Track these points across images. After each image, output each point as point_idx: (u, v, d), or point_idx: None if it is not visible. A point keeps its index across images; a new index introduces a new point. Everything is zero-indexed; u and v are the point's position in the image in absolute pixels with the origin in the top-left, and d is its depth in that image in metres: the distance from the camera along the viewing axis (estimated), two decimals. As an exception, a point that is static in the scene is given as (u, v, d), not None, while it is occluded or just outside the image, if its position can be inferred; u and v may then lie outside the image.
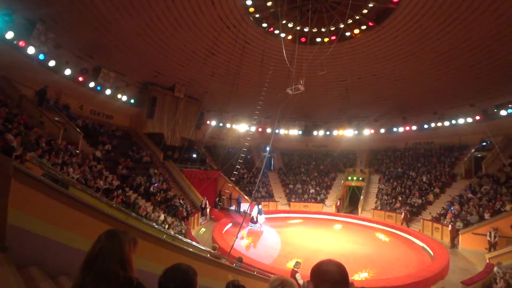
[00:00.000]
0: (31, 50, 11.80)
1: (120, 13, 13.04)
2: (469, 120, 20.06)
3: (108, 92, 17.00)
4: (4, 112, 8.92)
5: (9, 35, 10.83)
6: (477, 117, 19.52)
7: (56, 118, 12.78)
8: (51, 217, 2.80)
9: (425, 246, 13.98)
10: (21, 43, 11.42)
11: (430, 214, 17.67)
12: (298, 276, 7.46)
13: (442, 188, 19.38)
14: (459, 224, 14.80)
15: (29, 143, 8.14)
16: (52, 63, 13.14)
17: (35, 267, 2.62)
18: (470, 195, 16.41)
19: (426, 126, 22.85)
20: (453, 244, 14.23)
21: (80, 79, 15.29)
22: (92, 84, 16.01)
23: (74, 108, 16.24)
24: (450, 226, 14.54)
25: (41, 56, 12.47)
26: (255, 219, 16.98)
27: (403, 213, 18.50)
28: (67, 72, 14.17)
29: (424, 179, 20.91)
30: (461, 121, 20.50)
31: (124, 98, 18.43)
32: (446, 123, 21.55)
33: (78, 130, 13.44)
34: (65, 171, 8.61)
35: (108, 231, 1.48)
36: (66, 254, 2.80)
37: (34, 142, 8.73)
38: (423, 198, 19.41)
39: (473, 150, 20.14)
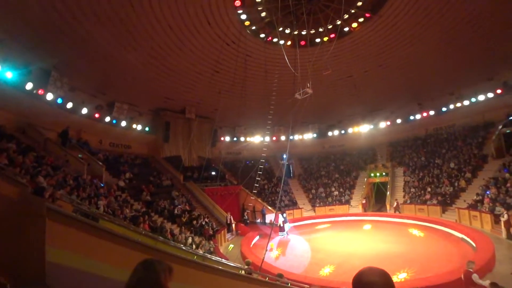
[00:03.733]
0: (49, 96, 12.65)
1: (124, 47, 13.75)
2: (490, 95, 19.13)
3: (123, 124, 17.73)
4: (33, 156, 9.46)
5: (29, 86, 11.66)
6: (498, 91, 18.61)
7: (79, 155, 13.40)
8: (85, 250, 2.91)
9: (465, 237, 13.01)
10: (40, 92, 12.27)
11: (465, 201, 16.58)
12: (475, 277, 6.71)
13: (473, 172, 18.28)
14: (498, 209, 13.74)
15: (58, 181, 8.56)
16: (69, 105, 13.98)
17: (76, 301, 2.71)
18: (507, 175, 15.29)
19: (444, 109, 22.07)
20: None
21: (97, 115, 16.08)
22: (108, 119, 16.77)
23: (94, 143, 16.99)
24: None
25: (59, 100, 13.32)
26: (282, 227, 16.81)
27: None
28: (84, 111, 14.98)
29: (452, 165, 19.93)
30: (481, 97, 19.60)
31: (139, 127, 19.14)
32: (466, 102, 20.67)
33: (100, 163, 14.02)
34: (93, 203, 8.94)
35: (144, 261, 1.51)
36: (102, 285, 2.89)
37: (62, 180, 9.16)
38: (455, 185, 18.40)
39: (500, 127, 18.88)
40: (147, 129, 20.05)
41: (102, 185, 12.19)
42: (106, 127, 17.08)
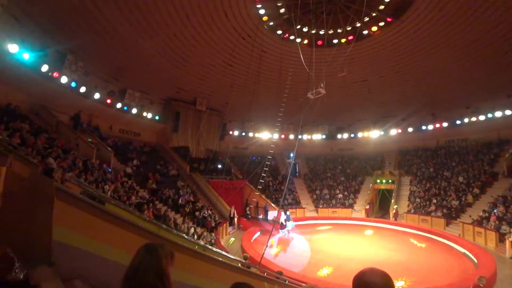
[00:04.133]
0: (64, 79, 12.83)
1: (140, 35, 13.82)
2: (508, 112, 18.69)
3: (134, 111, 17.92)
4: (44, 137, 9.68)
5: (44, 68, 11.85)
6: (517, 108, 18.15)
7: (89, 140, 13.64)
8: (90, 231, 2.97)
9: (467, 252, 12.84)
10: (55, 74, 12.45)
11: (470, 217, 16.30)
12: None
13: (482, 188, 17.90)
14: (504, 227, 13.49)
15: (67, 164, 8.75)
16: (83, 89, 14.17)
17: (78, 280, 2.77)
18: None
19: (458, 122, 21.59)
20: None
21: (108, 101, 16.28)
22: (119, 105, 16.97)
23: (104, 128, 17.25)
24: None
25: (73, 84, 13.50)
26: (284, 225, 16.85)
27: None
28: (96, 96, 15.18)
29: (461, 179, 19.56)
30: (498, 114, 19.14)
31: (150, 115, 19.31)
32: (481, 117, 20.20)
33: (109, 149, 14.24)
34: (100, 187, 9.11)
35: (147, 245, 1.52)
36: (105, 266, 2.95)
37: (71, 163, 9.35)
38: (461, 199, 18.07)
39: (515, 145, 18.54)
40: (157, 117, 20.22)
41: (110, 170, 12.39)
42: (117, 113, 17.29)
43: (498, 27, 13.35)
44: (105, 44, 13.91)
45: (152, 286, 1.38)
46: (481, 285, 6.99)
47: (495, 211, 14.99)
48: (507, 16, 12.67)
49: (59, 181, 5.66)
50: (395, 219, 19.56)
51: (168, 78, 18.44)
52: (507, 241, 12.74)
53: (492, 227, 14.24)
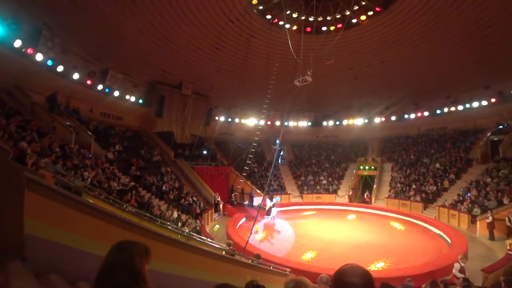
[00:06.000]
0: (39, 56, 11.98)
1: (124, 13, 13.02)
2: (484, 103, 19.44)
3: (116, 93, 17.19)
4: (18, 120, 9.12)
5: (17, 43, 11.02)
6: (493, 100, 18.90)
7: (67, 123, 13.00)
8: (66, 224, 2.82)
9: (442, 234, 13.71)
10: (29, 51, 11.60)
11: (446, 201, 17.27)
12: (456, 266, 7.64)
13: (457, 174, 18.88)
14: (476, 210, 14.40)
15: (43, 149, 8.32)
16: (60, 68, 13.34)
17: (55, 274, 2.65)
18: (488, 180, 15.86)
19: (438, 111, 22.29)
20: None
21: (89, 82, 15.49)
22: (100, 87, 16.20)
23: (84, 111, 16.49)
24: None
25: (49, 62, 12.66)
26: (269, 210, 17.11)
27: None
28: (76, 76, 14.37)
29: (438, 165, 20.44)
30: (475, 104, 19.91)
31: (133, 98, 18.60)
32: (460, 107, 20.98)
33: (90, 133, 13.67)
34: (79, 174, 8.77)
35: (119, 243, 1.43)
36: (83, 259, 2.83)
37: (47, 147, 8.91)
38: (438, 185, 18.99)
39: (489, 134, 19.45)
40: (140, 101, 19.51)
41: (90, 155, 11.94)
42: (98, 95, 16.50)
43: (482, 20, 13.57)
44: (86, 20, 12.93)
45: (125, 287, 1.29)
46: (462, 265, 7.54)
47: (468, 194, 15.89)
48: (489, 10, 12.89)
49: (33, 168, 5.36)
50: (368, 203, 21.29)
51: (153, 59, 17.68)
52: (478, 222, 13.73)
53: (465, 209, 15.15)
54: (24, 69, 11.99)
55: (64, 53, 13.90)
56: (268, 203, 17.21)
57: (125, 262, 1.33)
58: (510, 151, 17.08)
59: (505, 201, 13.58)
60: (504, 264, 8.32)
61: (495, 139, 18.94)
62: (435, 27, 14.59)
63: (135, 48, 16.04)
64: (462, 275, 7.59)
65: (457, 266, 7.96)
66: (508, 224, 12.26)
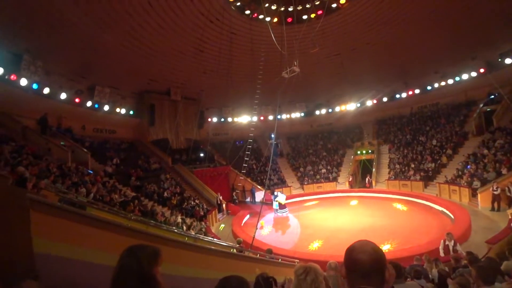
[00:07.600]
0: (23, 81, 11.87)
1: (101, 27, 12.95)
2: (473, 74, 19.44)
3: (106, 108, 17.12)
4: (11, 146, 9.09)
5: (-1, 71, 10.90)
6: (481, 70, 18.86)
7: (62, 143, 12.96)
8: (74, 239, 2.88)
9: (445, 210, 13.79)
10: (13, 77, 11.48)
11: (446, 176, 17.28)
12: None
13: (454, 149, 18.93)
14: (476, 183, 14.38)
15: (41, 171, 8.31)
16: (46, 90, 13.23)
17: (69, 289, 2.72)
18: (485, 152, 15.79)
19: (429, 87, 22.40)
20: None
21: (77, 100, 15.41)
22: (89, 103, 16.12)
23: (76, 129, 16.41)
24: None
25: (34, 86, 12.54)
26: (283, 205, 17.25)
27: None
28: (63, 96, 14.29)
29: (435, 142, 20.58)
30: (465, 76, 19.91)
31: (123, 111, 18.55)
32: (450, 81, 21.01)
33: (85, 150, 13.66)
34: (80, 191, 8.78)
35: (127, 248, 1.44)
36: (94, 271, 2.89)
37: (45, 169, 8.90)
38: (436, 161, 19.09)
39: (481, 105, 19.48)
40: (131, 112, 19.45)
41: (91, 171, 11.94)
42: (88, 112, 16.43)
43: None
44: (65, 40, 12.87)
45: None
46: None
47: (468, 167, 15.91)
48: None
49: (34, 190, 5.39)
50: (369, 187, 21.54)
51: (137, 70, 17.62)
52: (478, 195, 13.73)
53: (465, 184, 15.20)
54: (10, 96, 11.86)
55: (48, 74, 13.76)
56: (282, 198, 17.36)
57: (133, 266, 1.33)
58: (504, 120, 17.12)
59: (504, 171, 13.51)
60: (507, 234, 8.31)
61: (488, 109, 18.99)
62: (415, 3, 14.67)
63: (118, 60, 15.99)
64: (444, 254, 7.63)
65: (442, 243, 8.03)
66: (509, 194, 12.20)
